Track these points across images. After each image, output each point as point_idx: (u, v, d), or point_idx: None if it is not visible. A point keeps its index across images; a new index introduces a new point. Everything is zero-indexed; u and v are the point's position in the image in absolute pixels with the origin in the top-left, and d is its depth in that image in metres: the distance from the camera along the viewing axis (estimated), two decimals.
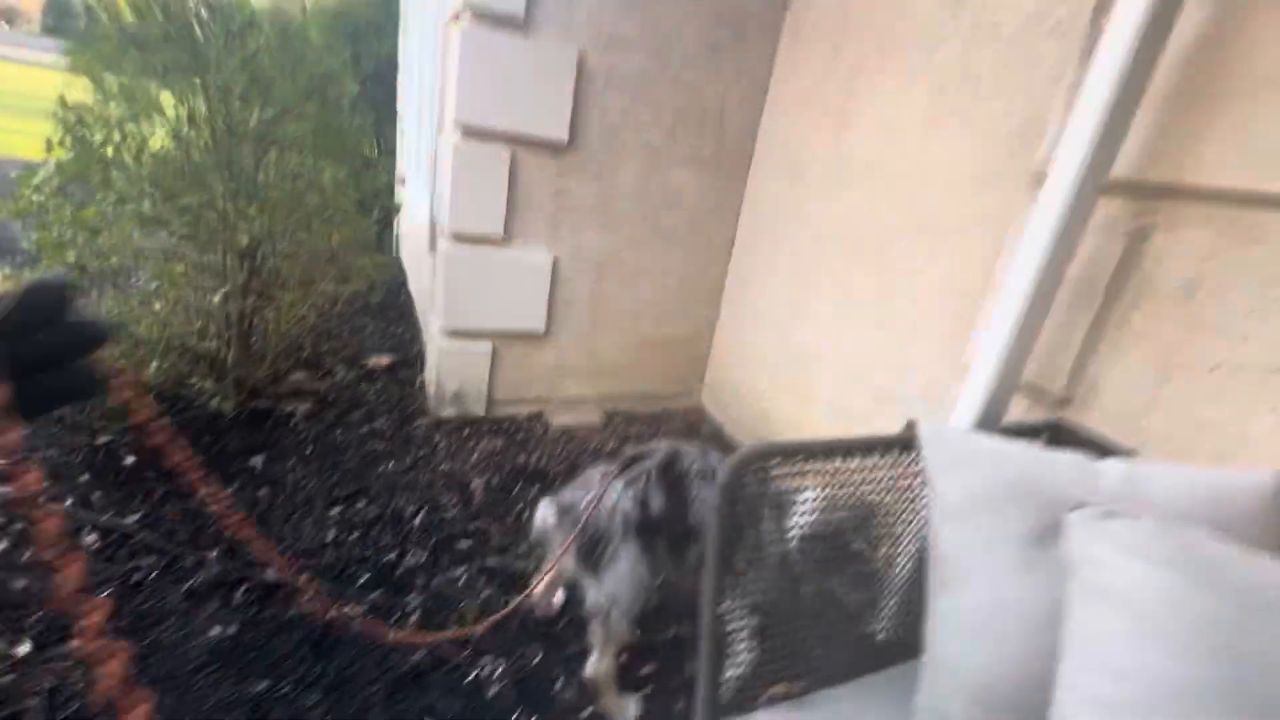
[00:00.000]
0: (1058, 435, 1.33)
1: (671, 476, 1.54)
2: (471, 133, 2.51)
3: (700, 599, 0.97)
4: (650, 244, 3.06)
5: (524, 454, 2.73)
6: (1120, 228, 1.26)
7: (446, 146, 2.63)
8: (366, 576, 1.92)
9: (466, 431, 2.85)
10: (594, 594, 1.52)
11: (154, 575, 1.78)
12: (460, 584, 1.96)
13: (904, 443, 1.13)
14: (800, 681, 1.06)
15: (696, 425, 3.34)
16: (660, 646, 1.83)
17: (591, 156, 2.76)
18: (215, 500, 0.73)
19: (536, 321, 2.92)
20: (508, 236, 2.73)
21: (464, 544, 2.13)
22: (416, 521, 2.20)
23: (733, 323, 3.31)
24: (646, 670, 1.75)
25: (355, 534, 2.09)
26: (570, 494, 1.65)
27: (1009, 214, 1.93)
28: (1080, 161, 1.17)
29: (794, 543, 1.06)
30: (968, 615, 0.98)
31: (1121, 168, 1.23)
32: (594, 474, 1.66)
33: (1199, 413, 1.17)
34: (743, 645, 1.01)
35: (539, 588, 1.84)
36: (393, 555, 2.03)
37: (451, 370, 2.82)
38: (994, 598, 0.97)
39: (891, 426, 2.39)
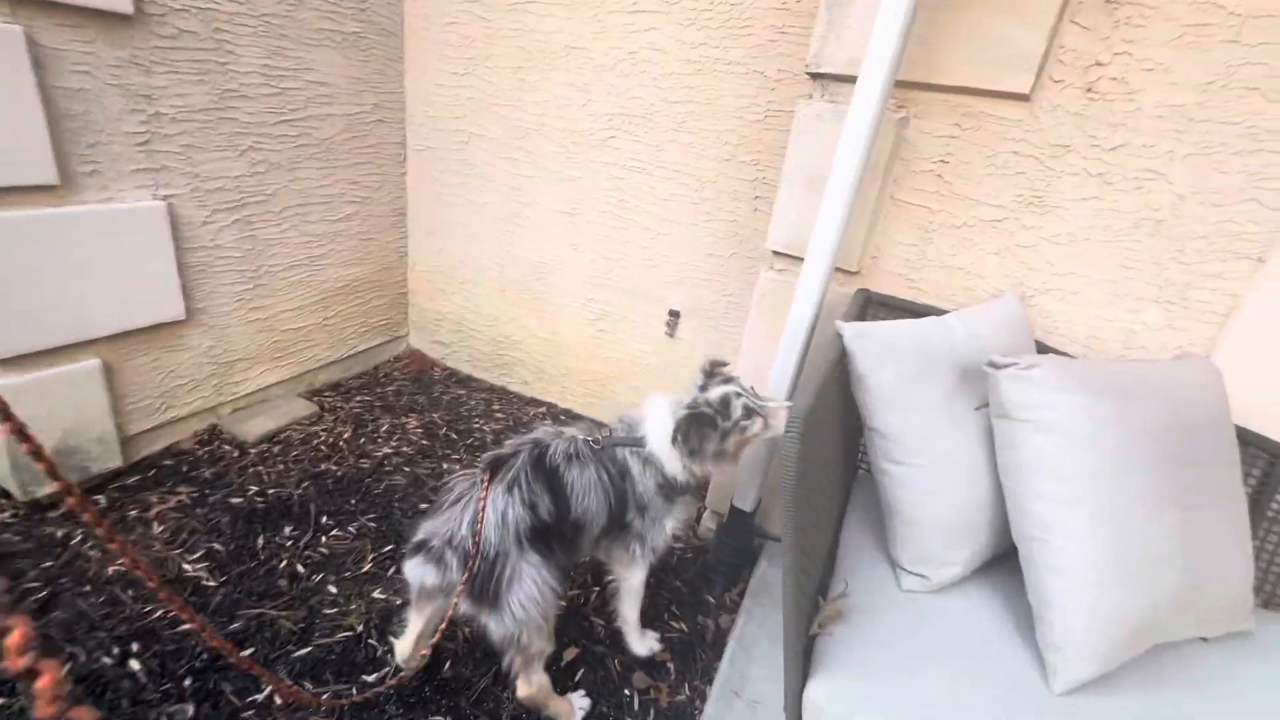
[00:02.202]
0: (867, 304, 1.62)
1: (546, 469, 1.33)
2: None
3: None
4: (306, 162, 2.26)
5: (235, 493, 1.92)
6: (891, 119, 1.50)
7: None
8: None
9: (109, 501, 1.82)
10: (496, 626, 1.26)
11: None
12: (272, 710, 1.38)
13: (843, 353, 1.21)
14: (840, 598, 1.14)
15: (426, 372, 2.87)
16: (561, 621, 1.68)
17: (183, 35, 1.78)
18: None
19: (168, 303, 1.94)
20: (69, 182, 1.64)
21: (242, 653, 1.46)
22: (135, 667, 1.39)
23: (431, 246, 2.82)
24: (570, 656, 1.60)
25: None
26: (435, 524, 1.28)
27: (727, 101, 2.07)
28: (888, 65, 1.31)
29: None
30: (926, 475, 1.19)
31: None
32: (458, 485, 1.32)
33: (951, 262, 1.57)
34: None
35: (404, 648, 1.45)
36: None
37: (36, 419, 1.69)
38: (941, 456, 1.19)
39: (649, 321, 2.55)
